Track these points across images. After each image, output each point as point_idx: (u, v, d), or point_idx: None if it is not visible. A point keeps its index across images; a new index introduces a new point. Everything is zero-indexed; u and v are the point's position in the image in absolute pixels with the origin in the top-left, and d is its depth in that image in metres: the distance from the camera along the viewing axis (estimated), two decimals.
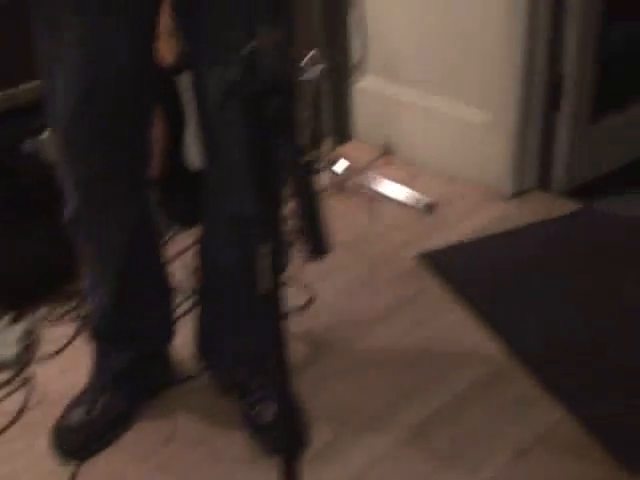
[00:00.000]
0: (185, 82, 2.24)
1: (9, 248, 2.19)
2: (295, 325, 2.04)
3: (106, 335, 1.82)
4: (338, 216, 2.64)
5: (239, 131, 0.97)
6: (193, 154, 2.36)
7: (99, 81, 1.45)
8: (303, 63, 0.84)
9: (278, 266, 1.07)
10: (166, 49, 2.00)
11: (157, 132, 2.44)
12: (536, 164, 2.68)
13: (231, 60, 0.89)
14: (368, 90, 3.02)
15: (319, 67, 2.31)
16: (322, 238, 0.98)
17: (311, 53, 1.32)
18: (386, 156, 2.97)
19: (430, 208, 2.64)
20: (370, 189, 2.75)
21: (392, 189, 2.73)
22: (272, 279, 1.04)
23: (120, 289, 1.74)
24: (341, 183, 2.78)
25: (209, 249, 1.77)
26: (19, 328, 2.16)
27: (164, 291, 1.89)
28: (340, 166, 2.80)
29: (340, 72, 3.03)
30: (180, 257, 2.38)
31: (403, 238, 2.53)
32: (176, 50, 2.10)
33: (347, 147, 3.04)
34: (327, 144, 2.77)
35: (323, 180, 2.78)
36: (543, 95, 2.58)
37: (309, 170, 0.99)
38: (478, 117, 2.69)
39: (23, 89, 2.11)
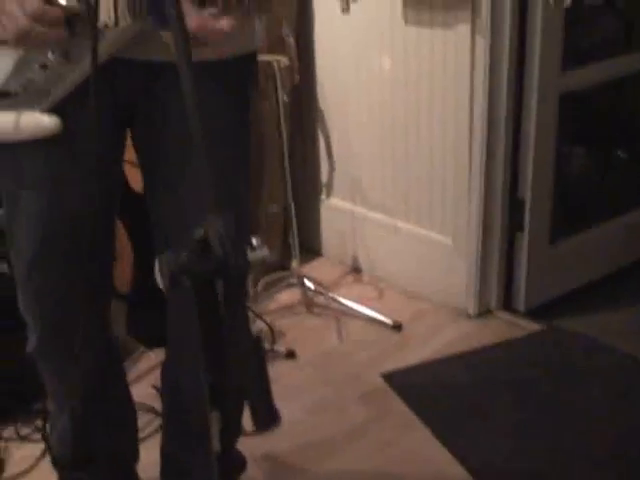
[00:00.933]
0: None
1: None
2: (257, 447, 2.06)
3: (70, 461, 1.83)
4: (306, 334, 2.68)
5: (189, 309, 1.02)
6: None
7: (55, 231, 1.52)
8: (254, 243, 0.89)
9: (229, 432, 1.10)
10: (134, 176, 2.07)
11: (126, 247, 2.51)
12: (498, 285, 2.75)
13: (182, 240, 0.95)
14: (335, 209, 3.11)
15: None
16: (271, 410, 1.01)
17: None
18: (354, 273, 3.04)
19: (396, 327, 2.69)
20: (338, 306, 2.81)
21: (359, 307, 2.78)
22: (223, 442, 1.07)
23: (82, 416, 1.75)
24: (309, 300, 2.83)
25: (170, 379, 1.80)
26: None
27: (128, 412, 1.91)
28: (308, 283, 2.86)
29: (309, 192, 3.12)
30: (147, 375, 2.41)
31: (370, 356, 2.57)
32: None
33: (315, 264, 3.11)
34: (296, 261, 2.83)
35: (292, 297, 2.84)
36: (502, 218, 2.67)
37: (258, 346, 1.04)
38: (440, 239, 2.78)
39: None
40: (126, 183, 2.16)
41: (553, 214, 2.73)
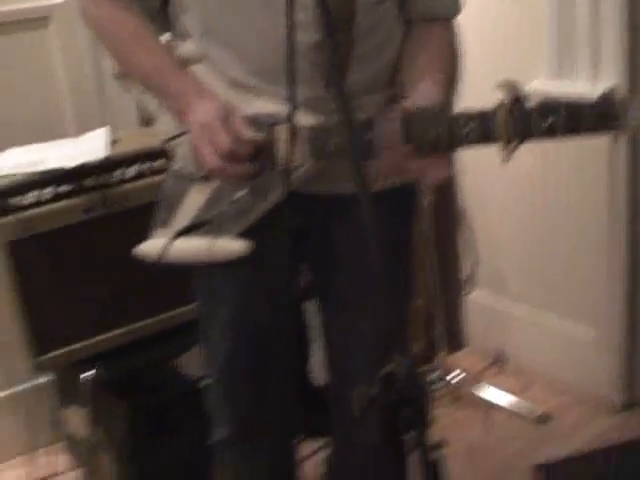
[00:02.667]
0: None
1: (152, 459, 2.39)
2: None
3: None
4: (452, 426, 2.77)
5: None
6: (318, 371, 2.55)
7: (245, 341, 1.70)
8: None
9: None
10: None
11: None
12: None
13: (362, 372, 1.11)
14: (479, 302, 3.20)
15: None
16: None
17: None
18: (498, 365, 3.11)
19: (543, 419, 2.75)
20: (483, 398, 2.88)
21: (504, 399, 2.85)
22: None
23: None
24: (455, 392, 2.92)
25: (336, 475, 1.93)
26: None
27: None
28: (454, 376, 2.95)
29: (451, 285, 3.23)
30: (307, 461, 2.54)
31: (517, 449, 2.63)
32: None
33: (460, 356, 3.20)
34: (440, 355, 2.94)
35: (438, 390, 2.94)
36: None
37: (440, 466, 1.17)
38: (585, 331, 2.83)
39: (179, 312, 2.38)
40: None
41: None
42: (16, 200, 2.21)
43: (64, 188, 2.27)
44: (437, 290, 2.90)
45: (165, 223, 1.66)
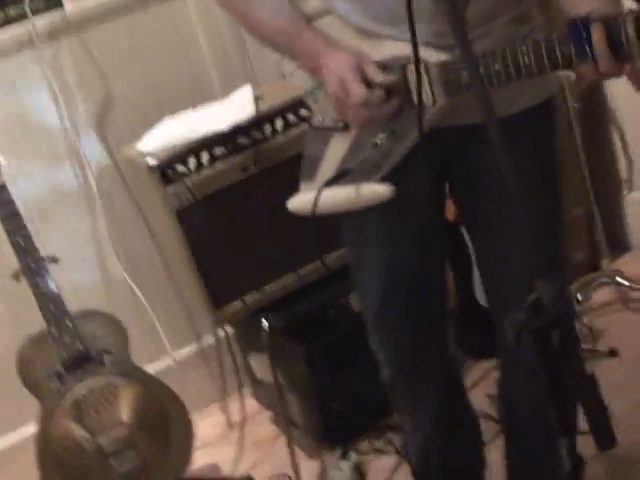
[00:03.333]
0: None
1: (335, 391, 2.54)
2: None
3: (424, 473, 2.07)
4: (625, 331, 2.76)
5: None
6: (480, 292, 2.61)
7: (395, 283, 1.77)
8: None
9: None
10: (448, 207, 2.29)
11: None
12: None
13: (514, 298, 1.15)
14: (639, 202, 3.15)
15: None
16: (610, 433, 1.18)
17: None
18: None
19: None
20: None
21: None
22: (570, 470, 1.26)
23: (435, 432, 1.99)
24: (625, 296, 2.90)
25: (507, 396, 1.99)
26: (349, 462, 2.47)
27: (473, 424, 2.12)
28: (621, 280, 2.93)
29: (610, 190, 3.19)
30: (478, 385, 2.62)
31: None
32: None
33: (625, 259, 3.16)
34: (606, 260, 2.92)
35: (607, 295, 2.93)
36: None
37: (594, 380, 1.21)
38: None
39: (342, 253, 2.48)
40: None
41: None
42: (178, 169, 2.36)
43: (220, 151, 2.41)
44: (592, 195, 2.87)
45: (311, 176, 1.75)
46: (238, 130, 2.41)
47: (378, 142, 1.65)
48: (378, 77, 1.54)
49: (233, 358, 2.77)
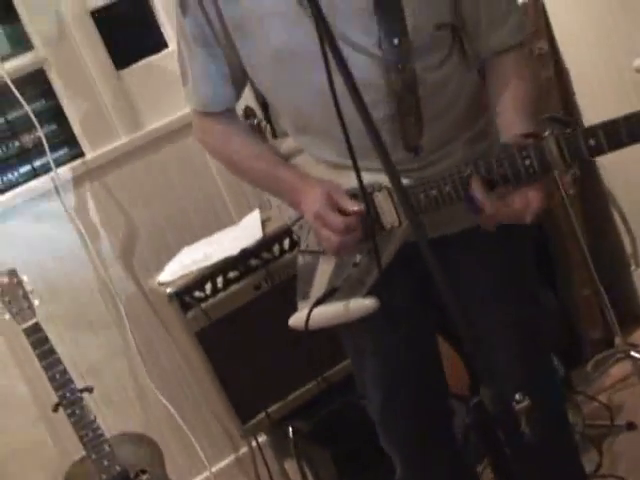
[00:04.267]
0: None
1: None
2: None
3: None
4: None
5: None
6: None
7: (393, 388, 1.92)
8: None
9: None
10: None
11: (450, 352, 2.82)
12: None
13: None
14: None
15: None
16: None
17: None
18: None
19: None
20: None
21: None
22: None
23: None
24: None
25: None
26: None
27: None
28: (636, 353, 3.02)
29: (617, 266, 3.31)
30: None
31: None
32: None
33: (638, 332, 3.25)
34: (618, 337, 3.02)
35: (624, 370, 3.02)
36: None
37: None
38: None
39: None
40: None
41: None
42: (195, 295, 2.56)
43: (233, 274, 2.61)
44: (595, 274, 2.99)
45: (305, 295, 1.92)
46: (249, 253, 2.61)
47: (357, 261, 1.83)
48: (351, 206, 1.72)
49: (266, 466, 2.90)
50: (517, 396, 1.29)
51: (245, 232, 2.71)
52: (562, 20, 3.03)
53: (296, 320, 1.94)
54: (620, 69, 2.82)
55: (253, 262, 2.62)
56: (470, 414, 1.27)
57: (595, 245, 3.18)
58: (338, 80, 1.43)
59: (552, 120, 1.57)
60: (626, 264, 3.30)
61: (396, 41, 1.67)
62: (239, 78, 1.86)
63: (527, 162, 1.55)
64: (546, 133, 1.51)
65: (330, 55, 1.42)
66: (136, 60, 3.14)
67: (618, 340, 3.04)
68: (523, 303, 1.93)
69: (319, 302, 1.85)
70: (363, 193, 1.60)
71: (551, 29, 3.06)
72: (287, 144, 1.91)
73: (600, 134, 1.46)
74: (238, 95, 1.91)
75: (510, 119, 1.71)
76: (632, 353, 3.01)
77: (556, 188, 2.95)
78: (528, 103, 1.74)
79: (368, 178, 1.71)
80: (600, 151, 1.48)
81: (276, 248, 2.65)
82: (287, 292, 2.52)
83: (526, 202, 1.60)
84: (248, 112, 2.91)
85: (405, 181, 1.71)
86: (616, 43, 2.82)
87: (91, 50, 3.02)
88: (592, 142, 1.47)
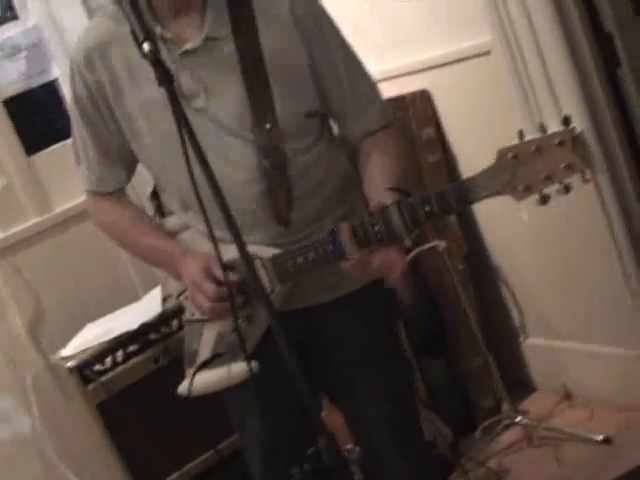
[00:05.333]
0: None
1: None
2: None
3: None
4: (529, 466, 3.00)
5: None
6: None
7: (273, 450, 2.03)
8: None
9: None
10: None
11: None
12: None
13: None
14: (535, 345, 3.45)
15: None
16: None
17: None
18: (566, 400, 3.33)
19: (606, 441, 2.95)
20: (555, 434, 3.11)
21: (573, 430, 3.07)
22: None
23: None
24: (528, 435, 3.15)
25: None
26: None
27: None
28: (522, 418, 3.19)
29: (507, 337, 3.50)
30: None
31: (586, 475, 2.85)
32: None
33: (530, 399, 3.43)
34: (506, 403, 3.19)
35: (512, 436, 3.18)
36: None
37: None
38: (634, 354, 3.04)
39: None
40: None
41: None
42: (96, 368, 2.66)
43: (133, 348, 2.72)
44: (483, 345, 3.17)
45: (192, 362, 2.05)
46: (148, 327, 2.73)
47: (237, 329, 1.96)
48: (225, 276, 1.87)
49: None
50: (349, 446, 1.43)
51: (146, 307, 2.84)
52: (448, 108, 3.28)
53: (182, 387, 2.06)
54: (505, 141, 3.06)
55: (152, 336, 2.74)
56: (307, 463, 1.38)
57: (485, 317, 3.38)
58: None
59: (396, 191, 1.76)
60: (515, 335, 3.50)
61: (268, 126, 1.86)
62: (128, 160, 2.02)
63: (376, 228, 1.73)
64: (389, 202, 1.71)
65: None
66: (47, 145, 3.29)
67: (506, 407, 3.21)
68: (389, 370, 2.08)
69: (200, 368, 1.99)
70: (246, 261, 1.72)
71: (438, 117, 3.31)
72: (173, 221, 2.07)
73: (433, 201, 1.65)
74: (128, 176, 2.07)
75: (375, 192, 1.90)
76: (519, 419, 3.18)
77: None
78: (392, 177, 1.92)
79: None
80: (434, 216, 1.68)
81: (174, 323, 2.77)
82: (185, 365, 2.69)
83: (387, 260, 1.78)
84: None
85: (275, 251, 1.88)
86: (497, 130, 3.06)
87: (2, 136, 3.16)
88: (427, 208, 1.66)
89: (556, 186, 1.62)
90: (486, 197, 1.63)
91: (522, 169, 1.59)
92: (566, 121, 1.55)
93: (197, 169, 1.59)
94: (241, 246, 1.62)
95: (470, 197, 1.64)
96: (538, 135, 1.58)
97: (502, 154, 1.60)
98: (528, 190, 1.61)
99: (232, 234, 1.60)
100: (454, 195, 1.65)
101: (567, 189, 1.62)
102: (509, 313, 3.50)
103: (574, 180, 1.62)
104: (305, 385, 1.47)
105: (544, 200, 1.63)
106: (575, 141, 1.56)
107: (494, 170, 1.61)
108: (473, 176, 1.65)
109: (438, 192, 1.66)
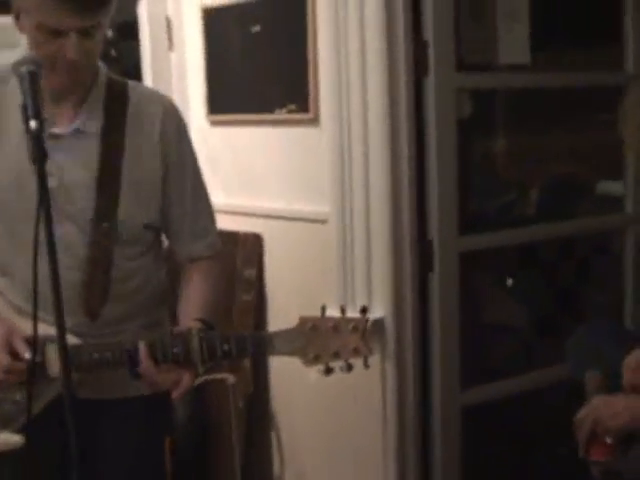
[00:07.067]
0: None
1: None
2: None
3: None
4: None
5: None
6: None
7: None
8: None
9: None
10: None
11: None
12: None
13: None
14: None
15: None
16: None
17: None
18: None
19: None
20: None
21: None
22: None
23: None
24: None
25: None
26: None
27: None
28: None
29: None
30: None
31: None
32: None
33: None
34: None
35: None
36: None
37: None
38: None
39: None
40: None
41: None
42: None
43: None
44: None
45: None
46: None
47: (17, 399, 2.04)
48: (21, 352, 1.95)
49: None
50: None
51: None
52: (274, 258, 3.48)
53: None
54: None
55: None
56: None
57: (248, 458, 3.51)
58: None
59: (203, 322, 1.95)
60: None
61: (105, 225, 2.00)
62: None
63: (175, 350, 1.89)
64: (193, 331, 1.88)
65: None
66: None
67: None
68: None
69: None
70: (34, 341, 1.82)
71: (263, 261, 3.51)
72: None
73: (232, 342, 1.84)
74: None
75: (185, 316, 2.08)
76: None
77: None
78: (204, 304, 2.11)
79: (46, 329, 1.88)
80: (230, 355, 1.86)
81: None
82: None
83: (177, 378, 1.94)
84: None
85: (75, 340, 1.98)
86: (312, 294, 3.26)
87: None
88: (226, 347, 1.84)
89: (341, 363, 1.84)
90: (280, 354, 1.83)
91: (317, 340, 1.81)
92: (363, 310, 1.80)
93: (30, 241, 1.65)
94: (35, 326, 1.74)
95: (266, 349, 1.83)
96: (338, 315, 1.81)
97: (303, 322, 1.82)
98: (317, 359, 1.83)
99: (33, 313, 1.70)
100: (252, 343, 1.84)
101: (349, 368, 1.85)
102: (271, 460, 3.65)
103: (358, 362, 1.85)
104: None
105: (328, 371, 1.85)
106: (366, 330, 1.79)
107: (292, 333, 1.82)
108: (274, 332, 1.86)
109: (239, 336, 1.86)
